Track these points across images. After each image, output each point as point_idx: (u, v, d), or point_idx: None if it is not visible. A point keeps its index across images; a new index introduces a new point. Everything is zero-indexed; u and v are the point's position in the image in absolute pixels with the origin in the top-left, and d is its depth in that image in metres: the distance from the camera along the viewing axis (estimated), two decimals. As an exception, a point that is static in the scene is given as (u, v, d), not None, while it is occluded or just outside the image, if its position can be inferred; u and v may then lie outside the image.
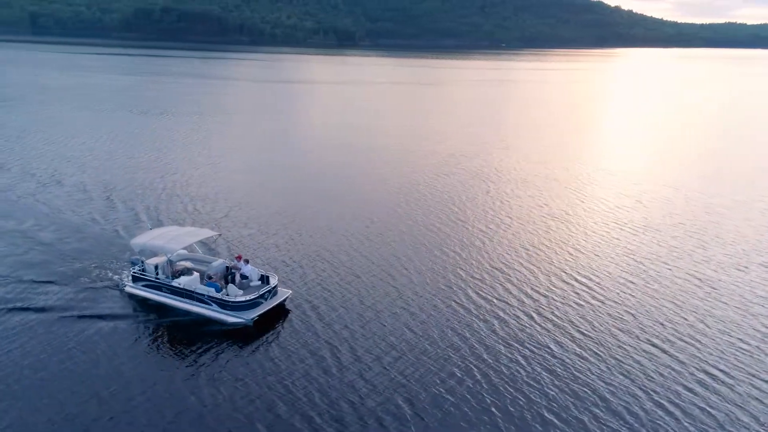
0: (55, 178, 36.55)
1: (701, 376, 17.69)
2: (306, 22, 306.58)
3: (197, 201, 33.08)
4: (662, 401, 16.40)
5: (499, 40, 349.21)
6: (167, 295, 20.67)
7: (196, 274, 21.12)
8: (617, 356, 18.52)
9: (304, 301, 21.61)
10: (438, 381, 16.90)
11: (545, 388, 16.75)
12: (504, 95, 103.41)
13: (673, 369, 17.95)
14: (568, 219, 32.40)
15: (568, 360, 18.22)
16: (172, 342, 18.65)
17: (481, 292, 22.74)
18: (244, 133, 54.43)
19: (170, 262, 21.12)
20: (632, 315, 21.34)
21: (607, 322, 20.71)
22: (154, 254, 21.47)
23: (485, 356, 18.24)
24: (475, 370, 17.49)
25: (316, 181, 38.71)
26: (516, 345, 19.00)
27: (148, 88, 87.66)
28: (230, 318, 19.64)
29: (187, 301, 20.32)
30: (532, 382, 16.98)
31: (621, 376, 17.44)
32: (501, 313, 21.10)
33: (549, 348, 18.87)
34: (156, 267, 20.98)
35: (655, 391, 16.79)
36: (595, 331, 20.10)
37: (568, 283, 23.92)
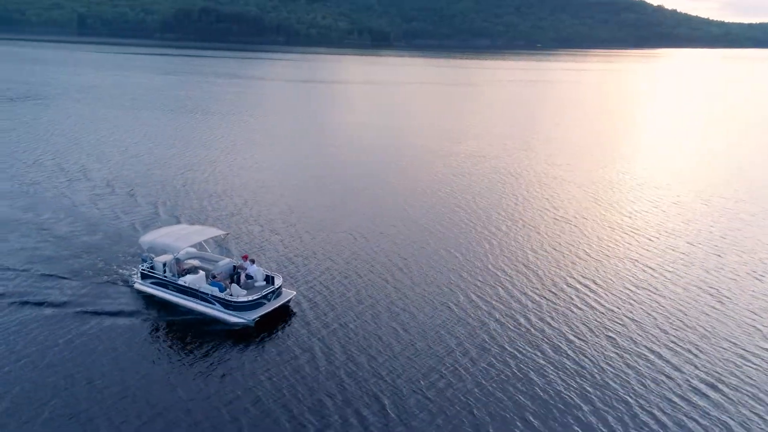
0: (81, 174, 37.88)
1: (698, 385, 17.29)
2: (341, 23, 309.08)
3: (214, 198, 33.75)
4: (652, 409, 16.13)
5: (535, 41, 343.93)
6: (173, 293, 20.84)
7: (201, 273, 21.22)
8: (611, 363, 18.27)
9: (309, 302, 21.49)
10: (445, 389, 16.50)
11: (544, 391, 16.68)
12: (537, 96, 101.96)
13: (669, 378, 17.61)
14: (580, 223, 31.94)
15: (562, 363, 18.08)
16: (173, 340, 18.82)
17: (492, 296, 22.53)
18: (271, 133, 55.20)
19: (177, 261, 21.38)
20: (632, 321, 20.98)
21: (606, 328, 20.42)
22: (163, 252, 21.75)
23: (497, 359, 18.11)
24: (488, 374, 17.31)
25: (335, 182, 38.87)
26: (522, 348, 18.89)
27: (181, 87, 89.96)
28: (232, 318, 19.66)
29: (192, 299, 20.43)
30: (544, 385, 16.97)
31: (612, 383, 17.21)
32: (510, 317, 20.98)
33: (545, 350, 18.75)
34: (164, 265, 21.17)
35: (646, 399, 16.52)
36: (593, 335, 19.85)
37: (571, 287, 23.65)
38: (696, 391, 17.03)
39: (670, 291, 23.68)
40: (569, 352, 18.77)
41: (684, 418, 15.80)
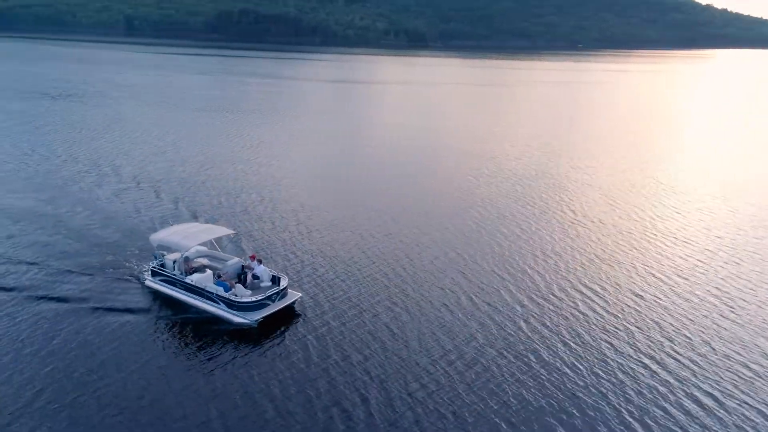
0: (107, 169, 38.95)
1: (697, 395, 16.62)
2: (378, 23, 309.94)
3: (235, 197, 34.01)
4: (650, 419, 15.57)
5: (576, 41, 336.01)
6: (181, 291, 20.95)
7: (209, 272, 21.24)
8: (610, 369, 17.85)
9: (315, 305, 21.25)
10: (452, 399, 16.19)
11: (544, 397, 16.35)
12: (573, 97, 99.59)
13: (666, 388, 17.02)
14: (595, 227, 31.11)
15: (557, 369, 17.66)
16: (176, 337, 18.97)
17: (501, 300, 22.23)
18: (301, 133, 55.53)
19: (186, 259, 21.57)
20: (637, 329, 20.36)
21: (610, 334, 19.94)
22: (172, 250, 21.95)
23: (505, 363, 17.94)
24: (494, 380, 17.01)
25: (358, 182, 38.77)
26: (538, 353, 18.67)
27: (216, 86, 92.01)
28: (236, 318, 19.64)
29: (199, 298, 20.49)
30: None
31: (613, 392, 16.79)
32: (513, 320, 20.72)
33: (539, 355, 18.37)
34: (174, 262, 21.33)
35: (644, 409, 16.05)
36: (595, 341, 19.34)
37: (577, 292, 23.17)
38: (698, 401, 16.40)
39: (679, 299, 22.87)
40: (569, 356, 18.42)
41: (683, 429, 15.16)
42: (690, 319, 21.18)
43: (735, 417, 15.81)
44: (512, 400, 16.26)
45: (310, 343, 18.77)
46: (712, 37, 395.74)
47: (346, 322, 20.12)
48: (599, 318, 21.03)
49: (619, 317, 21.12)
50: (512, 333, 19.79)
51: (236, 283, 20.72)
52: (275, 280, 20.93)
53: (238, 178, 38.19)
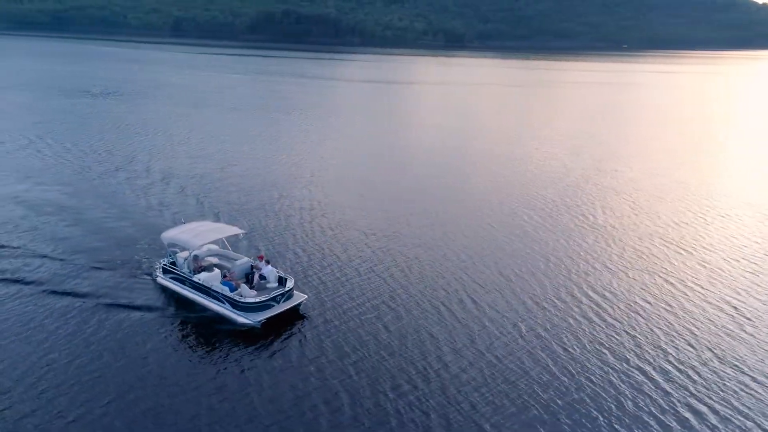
0: (139, 166, 40.01)
1: (696, 408, 16.31)
2: (416, 24, 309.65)
3: (256, 195, 34.31)
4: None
5: (620, 41, 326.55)
6: (189, 289, 21.07)
7: (217, 271, 21.27)
8: (607, 380, 17.57)
9: (322, 307, 21.06)
10: (458, 407, 16.02)
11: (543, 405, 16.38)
12: (616, 99, 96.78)
13: (666, 399, 16.79)
14: (611, 232, 30.59)
15: (553, 377, 17.59)
16: (180, 335, 19.15)
17: (509, 304, 22.05)
18: (330, 132, 56.01)
19: (195, 257, 21.67)
20: (643, 337, 20.08)
21: (613, 341, 19.70)
22: (181, 248, 22.05)
23: (515, 373, 17.70)
24: (504, 390, 16.83)
25: (379, 183, 38.62)
26: (549, 358, 18.63)
27: (254, 86, 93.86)
28: (240, 318, 19.59)
29: (205, 297, 20.57)
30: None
31: (613, 401, 16.64)
32: (518, 326, 20.69)
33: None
34: (184, 260, 21.49)
35: (642, 421, 15.77)
36: (596, 348, 19.20)
37: (585, 297, 22.94)
38: (699, 415, 16.07)
39: (689, 307, 22.35)
40: (573, 361, 18.41)
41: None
42: (698, 329, 20.65)
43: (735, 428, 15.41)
44: (540, 411, 16.21)
45: (312, 346, 18.62)
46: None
47: (353, 328, 19.83)
48: (605, 325, 20.75)
49: (624, 324, 20.78)
50: (525, 340, 19.70)
51: (244, 282, 20.82)
52: (282, 281, 20.87)
53: (262, 177, 38.68)
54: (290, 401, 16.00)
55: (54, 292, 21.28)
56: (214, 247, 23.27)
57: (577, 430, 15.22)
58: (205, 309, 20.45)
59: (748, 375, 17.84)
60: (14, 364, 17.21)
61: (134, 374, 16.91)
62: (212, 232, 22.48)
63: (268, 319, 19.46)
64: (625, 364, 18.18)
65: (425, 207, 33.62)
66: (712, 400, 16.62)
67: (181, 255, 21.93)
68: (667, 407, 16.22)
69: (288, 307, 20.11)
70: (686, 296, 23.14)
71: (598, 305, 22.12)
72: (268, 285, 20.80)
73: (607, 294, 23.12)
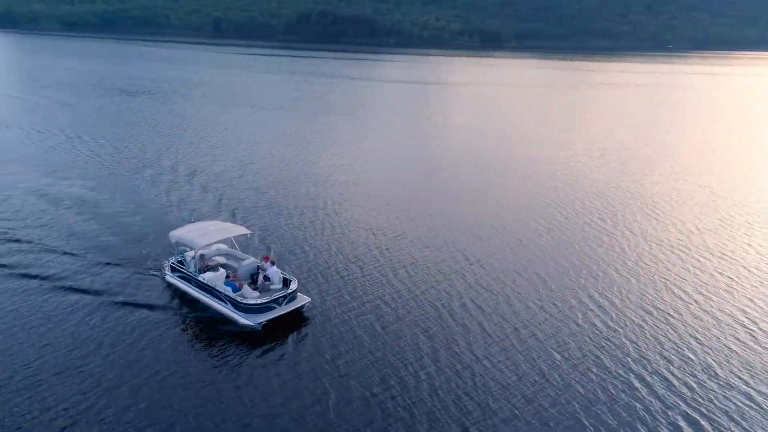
0: (167, 163, 40.79)
1: (696, 420, 15.76)
2: (454, 24, 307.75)
3: (273, 195, 34.33)
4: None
5: (665, 42, 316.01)
6: (195, 288, 21.15)
7: (222, 271, 21.27)
8: (608, 386, 17.23)
9: (327, 310, 20.82)
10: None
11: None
12: (655, 101, 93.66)
13: (667, 411, 16.24)
14: (625, 237, 29.68)
15: (554, 384, 17.30)
16: (181, 334, 19.22)
17: (517, 309, 21.65)
18: (357, 132, 55.99)
19: (202, 256, 21.72)
20: (645, 347, 19.40)
21: (616, 348, 19.15)
22: (188, 247, 22.21)
23: (525, 381, 17.42)
24: (516, 402, 16.46)
25: (400, 185, 38.04)
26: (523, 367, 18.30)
27: (286, 86, 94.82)
28: (241, 319, 19.51)
29: (210, 297, 20.59)
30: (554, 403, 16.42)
31: (602, 411, 16.20)
32: (525, 331, 20.38)
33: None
34: (192, 259, 21.60)
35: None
36: (588, 358, 18.65)
37: (593, 302, 22.44)
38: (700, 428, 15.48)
39: (700, 316, 21.55)
40: (576, 365, 17.95)
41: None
42: (709, 341, 19.86)
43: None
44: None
45: (312, 350, 18.43)
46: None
47: (357, 333, 19.51)
48: (610, 332, 20.17)
49: (631, 332, 20.16)
50: (532, 346, 19.41)
51: (249, 283, 20.88)
52: (286, 283, 20.73)
53: (285, 177, 38.51)
54: (282, 404, 15.90)
55: (62, 287, 21.75)
56: (223, 246, 23.38)
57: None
58: (209, 308, 20.47)
59: (755, 389, 17.07)
60: (14, 355, 17.63)
61: (132, 372, 17.02)
62: (219, 231, 22.57)
63: (269, 321, 19.33)
64: (628, 373, 17.64)
65: (443, 208, 33.26)
66: (716, 414, 16.01)
67: (189, 254, 22.04)
68: (671, 417, 15.70)
69: (290, 309, 19.96)
70: (693, 305, 22.26)
71: (605, 312, 21.51)
72: (272, 286, 20.73)
73: (616, 301, 22.45)
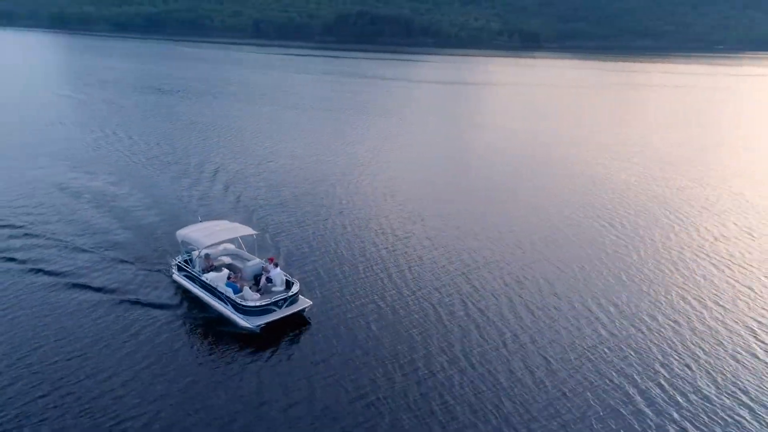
0: (194, 160, 41.55)
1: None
2: (493, 24, 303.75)
3: (292, 195, 34.36)
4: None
5: (715, 42, 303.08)
6: (199, 288, 21.24)
7: (225, 271, 21.26)
8: (608, 393, 16.78)
9: (329, 314, 20.62)
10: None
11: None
12: (694, 104, 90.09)
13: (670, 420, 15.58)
14: (645, 242, 28.65)
15: (546, 395, 16.82)
16: (181, 334, 19.29)
17: (522, 314, 21.28)
18: (385, 132, 55.79)
19: (207, 256, 21.84)
20: (651, 356, 18.75)
21: (613, 359, 18.61)
22: (193, 247, 22.20)
23: (533, 387, 17.15)
24: (523, 404, 16.30)
25: (421, 187, 37.55)
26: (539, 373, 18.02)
27: (321, 86, 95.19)
28: (240, 321, 19.46)
29: (212, 297, 20.65)
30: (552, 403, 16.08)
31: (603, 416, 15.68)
32: (537, 335, 20.09)
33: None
34: (197, 259, 21.72)
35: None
36: (589, 364, 18.07)
37: (601, 308, 21.80)
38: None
39: (716, 328, 20.67)
40: (579, 371, 17.60)
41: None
42: (718, 351, 18.92)
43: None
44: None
45: (310, 354, 18.25)
46: None
47: (358, 338, 19.31)
48: (613, 339, 19.50)
49: (639, 341, 19.43)
50: (530, 352, 19.05)
51: (252, 284, 20.85)
52: (289, 285, 20.60)
53: (312, 177, 38.38)
54: (276, 409, 15.79)
55: (70, 283, 22.18)
56: (231, 246, 23.40)
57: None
58: (212, 309, 20.51)
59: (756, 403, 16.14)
60: (14, 347, 18.14)
61: (130, 370, 17.15)
62: (224, 232, 22.60)
63: (268, 323, 19.22)
64: (632, 381, 17.00)
65: (467, 209, 32.87)
66: (719, 424, 15.24)
67: (196, 253, 22.07)
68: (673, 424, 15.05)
69: (290, 312, 19.81)
70: (706, 315, 21.23)
71: (611, 318, 20.82)
72: (274, 288, 20.62)
73: (625, 309, 21.72)
